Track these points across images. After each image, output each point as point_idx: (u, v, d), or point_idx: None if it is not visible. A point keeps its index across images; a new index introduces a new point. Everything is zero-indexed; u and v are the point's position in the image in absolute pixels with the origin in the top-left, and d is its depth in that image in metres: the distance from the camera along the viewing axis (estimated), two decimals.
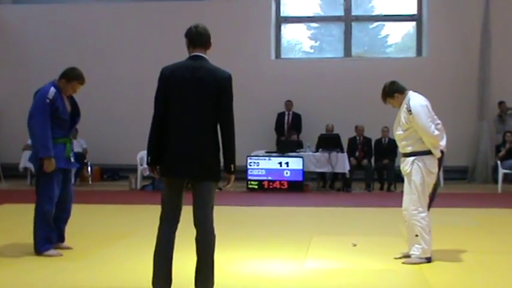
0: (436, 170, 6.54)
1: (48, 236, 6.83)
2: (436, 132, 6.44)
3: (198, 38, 4.98)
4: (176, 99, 4.84)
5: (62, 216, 7.06)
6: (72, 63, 17.41)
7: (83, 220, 9.80)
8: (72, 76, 6.98)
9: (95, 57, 17.40)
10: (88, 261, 6.62)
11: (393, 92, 6.67)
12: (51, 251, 6.81)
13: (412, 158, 6.50)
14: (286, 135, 15.69)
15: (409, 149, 6.55)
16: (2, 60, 17.15)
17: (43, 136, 6.62)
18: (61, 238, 7.13)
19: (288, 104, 16.23)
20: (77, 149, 15.83)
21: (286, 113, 16.28)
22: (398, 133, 6.66)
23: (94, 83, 17.29)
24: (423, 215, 6.46)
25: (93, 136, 16.67)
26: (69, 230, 8.59)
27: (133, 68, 16.32)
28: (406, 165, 6.56)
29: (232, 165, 4.89)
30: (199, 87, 4.81)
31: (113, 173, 17.33)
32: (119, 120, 16.28)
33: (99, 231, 8.67)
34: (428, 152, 6.51)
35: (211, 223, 4.92)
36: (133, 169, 14.69)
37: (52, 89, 6.80)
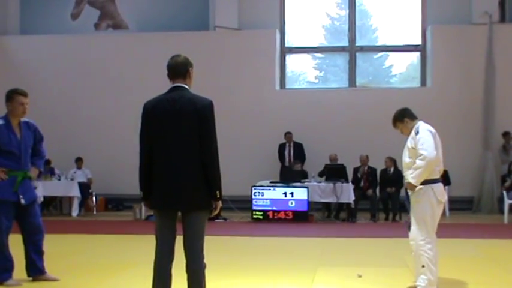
0: (445, 198, 6.53)
1: (4, 266, 6.78)
2: (436, 157, 6.41)
3: (175, 68, 4.99)
4: (160, 132, 4.87)
5: (30, 249, 6.99)
6: (77, 93, 17.63)
7: (87, 251, 9.81)
8: (10, 93, 6.88)
9: (101, 88, 17.57)
10: None
11: (403, 116, 6.72)
12: (10, 281, 6.78)
13: (420, 187, 6.46)
14: (291, 164, 15.68)
15: (429, 176, 6.48)
16: (8, 88, 17.25)
17: None
18: (38, 271, 7.05)
19: (288, 136, 16.28)
20: (82, 179, 15.90)
21: (287, 144, 16.30)
22: (406, 161, 6.63)
23: (100, 113, 17.53)
24: (430, 246, 6.41)
25: (98, 166, 16.74)
26: (74, 260, 8.61)
27: (139, 98, 16.34)
28: (418, 194, 6.49)
29: (218, 192, 4.87)
30: (180, 118, 4.83)
31: (118, 203, 17.34)
32: (123, 150, 16.31)
33: (104, 261, 8.65)
34: (437, 181, 6.50)
35: (201, 253, 4.90)
36: (137, 199, 14.61)
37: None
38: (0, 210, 6.70)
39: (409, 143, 6.59)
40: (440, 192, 6.50)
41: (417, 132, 6.51)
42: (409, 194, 6.65)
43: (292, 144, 16.32)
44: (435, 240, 6.53)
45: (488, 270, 8.07)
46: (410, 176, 6.47)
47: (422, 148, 6.38)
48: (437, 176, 6.54)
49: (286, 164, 16.19)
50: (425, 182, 6.44)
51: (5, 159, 6.74)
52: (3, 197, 6.71)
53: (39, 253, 7.07)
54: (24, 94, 6.94)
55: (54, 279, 7.05)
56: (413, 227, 6.53)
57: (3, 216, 6.72)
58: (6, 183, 6.72)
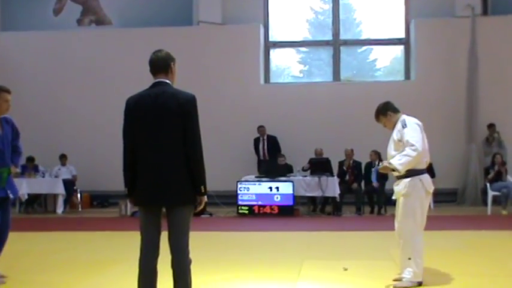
0: (432, 189, 6.55)
1: None
2: (425, 159, 6.46)
3: (156, 64, 4.98)
4: (142, 128, 4.86)
5: None
6: (61, 89, 17.52)
7: (72, 248, 9.78)
8: None
9: (84, 84, 17.49)
10: None
11: (386, 110, 6.72)
12: None
13: (408, 179, 6.47)
14: (265, 158, 15.73)
15: (416, 167, 6.47)
16: None
17: None
18: None
19: (261, 129, 16.30)
20: (66, 175, 15.82)
21: (261, 138, 16.32)
22: (391, 153, 6.63)
23: (83, 109, 17.44)
24: (418, 238, 6.44)
25: (83, 163, 16.67)
26: (60, 258, 8.58)
27: (123, 94, 16.27)
28: (401, 187, 6.51)
29: (202, 187, 4.86)
30: (163, 113, 4.81)
31: (103, 199, 17.28)
32: (108, 146, 16.20)
33: (89, 258, 8.63)
34: (424, 171, 6.52)
35: (186, 249, 4.88)
36: (123, 195, 14.55)
37: None
38: None
39: (395, 135, 6.59)
40: (429, 183, 6.53)
41: (404, 125, 6.50)
42: (395, 187, 6.64)
43: (266, 138, 16.31)
44: (422, 233, 6.55)
45: (472, 260, 8.13)
46: (397, 162, 6.45)
47: (409, 139, 6.39)
48: (424, 167, 6.56)
49: (261, 157, 16.25)
50: (413, 173, 6.45)
51: None
52: None
53: (0, 250, 6.96)
54: (9, 91, 6.94)
55: (3, 276, 6.96)
56: (400, 220, 6.52)
57: None
58: None
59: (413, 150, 6.37)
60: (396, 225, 6.65)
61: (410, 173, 6.46)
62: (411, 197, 6.45)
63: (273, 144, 16.28)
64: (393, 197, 6.77)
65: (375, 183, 14.39)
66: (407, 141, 6.41)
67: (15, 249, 8.24)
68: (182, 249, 4.85)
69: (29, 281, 7.05)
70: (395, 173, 6.57)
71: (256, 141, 16.37)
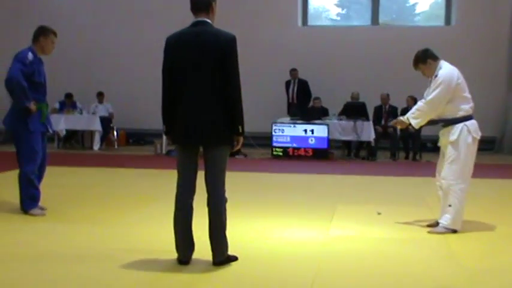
0: (479, 135, 6.48)
1: (32, 194, 6.99)
2: (469, 105, 6.38)
3: (198, 3, 4.93)
4: (182, 66, 4.86)
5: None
6: (99, 27, 17.57)
7: (109, 184, 9.94)
8: (45, 30, 7.05)
9: (123, 22, 17.49)
10: (114, 224, 6.69)
11: (426, 57, 6.54)
12: (36, 210, 6.99)
13: (455, 126, 6.37)
14: (294, 102, 15.66)
15: (460, 114, 6.40)
16: (28, 21, 17.24)
17: (24, 90, 6.73)
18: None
19: (294, 73, 16.16)
20: (103, 113, 16.00)
21: (292, 81, 16.22)
22: None
23: (121, 48, 17.49)
24: (462, 186, 6.36)
25: (119, 100, 16.81)
26: (97, 192, 8.75)
27: (162, 32, 16.27)
28: (451, 133, 6.38)
29: (240, 127, 4.87)
30: (204, 52, 4.80)
31: (139, 137, 17.47)
32: (145, 84, 16.32)
33: (126, 194, 8.76)
34: (470, 117, 6.43)
35: (222, 188, 4.94)
36: (159, 134, 14.73)
37: (30, 54, 6.84)
38: (33, 141, 6.91)
39: (432, 86, 6.50)
40: (475, 129, 6.43)
41: (436, 75, 6.42)
42: (443, 133, 6.55)
43: (297, 81, 16.20)
44: (469, 181, 6.48)
45: (508, 210, 8.10)
46: (412, 116, 6.44)
47: (432, 93, 6.35)
48: (471, 112, 6.46)
49: (290, 100, 16.18)
50: (458, 120, 6.37)
51: (34, 92, 6.89)
52: (35, 128, 6.94)
53: (40, 181, 7.19)
54: (56, 34, 7.13)
55: (43, 208, 7.15)
56: (446, 166, 6.43)
57: (36, 146, 6.93)
58: (36, 115, 6.93)
59: (425, 103, 6.41)
60: (439, 172, 6.60)
61: (457, 120, 6.38)
62: (458, 144, 6.35)
63: (304, 88, 16.16)
64: (438, 144, 6.70)
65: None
66: (430, 94, 6.36)
67: (54, 182, 8.41)
68: (218, 188, 4.90)
69: (68, 213, 7.22)
70: (444, 117, 6.48)
71: (288, 84, 16.28)
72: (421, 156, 14.20)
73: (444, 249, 5.87)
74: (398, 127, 6.95)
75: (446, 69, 6.46)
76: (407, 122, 6.60)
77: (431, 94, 6.41)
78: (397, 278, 4.88)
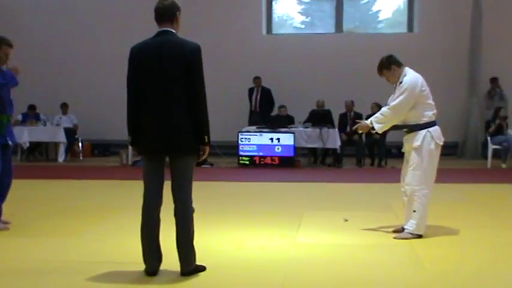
0: (442, 141, 6.55)
1: None
2: (431, 112, 6.46)
3: (162, 12, 4.93)
4: (147, 76, 4.84)
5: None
6: (63, 37, 17.38)
7: (75, 196, 9.84)
8: (0, 41, 6.83)
9: (87, 32, 17.35)
10: (80, 237, 6.63)
11: (390, 64, 6.60)
12: None
13: (418, 132, 6.45)
14: (256, 110, 15.70)
15: (424, 120, 6.47)
16: None
17: None
18: None
19: (257, 81, 16.25)
20: (68, 124, 15.85)
21: (256, 89, 16.27)
22: None
23: (85, 58, 17.36)
24: (426, 191, 6.44)
25: (84, 112, 16.68)
26: (63, 205, 8.64)
27: (126, 43, 16.22)
28: (415, 139, 6.45)
29: (206, 136, 4.88)
30: (168, 61, 4.80)
31: (104, 148, 17.35)
32: (110, 95, 16.20)
33: (92, 206, 8.69)
34: (433, 124, 6.50)
35: (189, 197, 4.93)
36: (123, 144, 14.66)
37: None
38: None
39: (397, 91, 6.56)
40: (438, 135, 6.51)
41: (401, 82, 6.48)
42: (406, 139, 6.63)
43: (260, 89, 16.26)
44: (432, 186, 6.57)
45: (472, 213, 8.20)
46: (375, 121, 6.53)
47: (397, 99, 6.42)
48: (434, 119, 6.54)
49: (253, 108, 16.24)
50: (422, 127, 6.45)
51: None
52: None
53: (5, 197, 7.01)
54: (11, 45, 6.91)
55: (7, 222, 7.02)
56: (409, 172, 6.50)
57: None
58: None
59: (389, 109, 6.48)
60: (403, 177, 6.67)
61: (420, 126, 6.46)
62: (421, 150, 6.43)
63: (267, 96, 16.24)
64: (402, 150, 6.78)
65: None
66: (394, 100, 6.43)
67: (18, 195, 8.28)
68: (185, 198, 4.90)
69: (33, 227, 7.12)
70: (406, 123, 6.55)
71: (250, 92, 16.32)
72: (387, 163, 14.33)
73: (410, 254, 5.93)
74: (360, 131, 6.99)
75: (411, 76, 6.54)
76: (370, 125, 6.66)
77: (395, 100, 6.48)
78: (363, 284, 4.91)
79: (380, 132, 6.71)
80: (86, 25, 17.45)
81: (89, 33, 17.40)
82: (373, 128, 6.66)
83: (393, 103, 6.48)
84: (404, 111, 6.45)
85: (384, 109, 6.60)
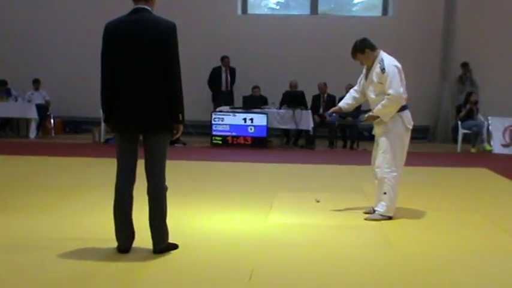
0: (412, 124, 6.64)
1: None
2: (404, 96, 6.51)
3: None
4: (122, 53, 4.83)
5: None
6: (34, 12, 17.17)
7: (47, 172, 9.79)
8: None
9: (59, 7, 17.15)
10: (51, 213, 6.62)
11: (364, 47, 6.63)
12: None
13: (395, 115, 6.50)
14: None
15: None
16: None
17: None
18: None
19: (226, 60, 16.21)
20: (39, 100, 15.71)
21: (224, 68, 16.23)
22: (372, 97, 6.66)
23: (57, 34, 17.18)
24: (395, 174, 6.52)
25: (56, 88, 16.52)
26: (34, 181, 8.59)
27: (99, 18, 16.06)
28: (384, 124, 6.55)
29: (180, 115, 4.89)
30: (143, 39, 4.80)
31: (76, 125, 17.23)
32: (82, 72, 16.09)
33: (64, 183, 8.65)
34: (404, 108, 6.58)
35: (162, 176, 4.95)
36: (96, 122, 14.60)
37: None
38: None
39: (374, 77, 6.56)
40: (408, 119, 6.61)
41: (383, 69, 6.49)
42: (375, 124, 6.70)
43: (228, 69, 16.27)
44: (401, 169, 6.65)
45: (441, 196, 8.32)
46: (381, 113, 6.53)
47: (390, 87, 6.43)
48: (405, 103, 6.60)
49: (223, 88, 16.21)
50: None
51: None
52: None
53: None
54: None
55: None
56: (379, 155, 6.59)
57: None
58: None
59: (389, 98, 6.44)
60: (374, 160, 6.75)
61: None
62: (391, 133, 6.52)
63: (232, 75, 16.24)
64: (372, 133, 6.85)
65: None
66: (386, 89, 6.45)
67: None
68: (158, 176, 4.92)
69: (4, 203, 7.08)
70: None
71: (216, 72, 16.23)
72: (358, 145, 14.45)
73: (380, 236, 6.03)
74: (369, 122, 6.91)
75: (390, 60, 6.55)
76: (375, 116, 6.67)
77: (389, 89, 6.40)
78: (334, 263, 4.98)
79: (387, 120, 6.63)
80: (60, 1, 17.23)
81: (62, 8, 17.19)
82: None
83: (389, 91, 6.44)
84: (401, 93, 6.46)
85: (384, 101, 6.53)
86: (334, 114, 6.92)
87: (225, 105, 14.97)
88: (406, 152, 6.69)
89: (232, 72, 16.22)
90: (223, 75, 16.19)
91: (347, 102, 7.03)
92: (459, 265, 5.05)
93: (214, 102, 15.78)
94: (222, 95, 15.98)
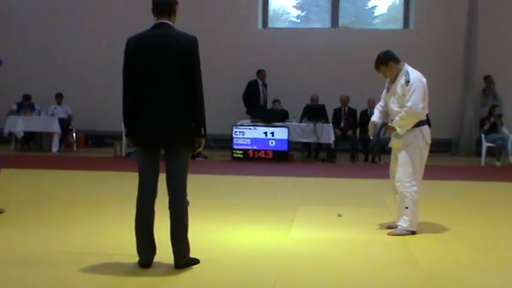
0: (430, 140, 6.59)
1: None
2: (423, 112, 6.47)
3: (161, 5, 4.93)
4: (144, 68, 4.84)
5: None
6: (59, 27, 17.32)
7: (69, 186, 9.82)
8: None
9: (83, 22, 17.28)
10: (73, 228, 6.61)
11: (388, 60, 6.60)
12: None
13: (416, 129, 6.48)
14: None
15: None
16: None
17: None
18: None
19: (262, 74, 16.20)
20: (62, 115, 15.82)
21: (261, 83, 16.21)
22: (394, 109, 6.61)
23: (81, 49, 17.31)
24: (416, 188, 6.47)
25: (79, 102, 16.63)
26: (56, 195, 8.61)
27: (122, 33, 16.15)
28: (405, 136, 6.50)
29: (202, 129, 4.88)
30: (164, 54, 4.80)
31: (98, 139, 17.31)
32: (104, 86, 16.21)
33: (86, 197, 8.67)
34: (424, 123, 6.55)
35: (184, 190, 4.94)
36: (118, 136, 14.64)
37: None
38: None
39: (399, 89, 6.51)
40: (428, 134, 6.58)
41: (407, 81, 6.45)
42: (394, 137, 6.65)
43: (263, 83, 16.25)
44: (420, 182, 6.60)
45: (465, 211, 8.22)
46: (397, 125, 6.50)
47: (409, 100, 6.38)
48: (424, 118, 6.57)
49: (262, 102, 16.15)
50: (415, 125, 6.48)
51: None
52: None
53: None
54: None
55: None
56: (399, 169, 6.54)
57: None
58: None
59: (406, 111, 6.40)
60: (392, 174, 6.69)
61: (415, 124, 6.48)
62: (411, 147, 6.48)
63: (266, 89, 16.24)
64: (389, 145, 6.80)
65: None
66: (406, 101, 6.40)
67: (12, 185, 8.29)
68: (180, 191, 4.90)
69: (26, 217, 7.11)
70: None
71: (253, 86, 16.24)
72: (380, 159, 14.34)
73: (404, 251, 5.93)
74: (387, 132, 6.88)
75: (415, 74, 6.53)
76: (393, 126, 6.64)
77: (408, 101, 6.40)
78: (357, 280, 4.92)
79: (402, 133, 6.60)
80: (82, 17, 17.36)
81: (85, 24, 17.33)
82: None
83: (408, 104, 6.41)
84: (419, 107, 6.43)
85: (401, 113, 6.51)
86: (379, 130, 6.83)
87: (263, 119, 14.78)
88: (426, 165, 6.64)
89: (266, 86, 16.22)
90: (261, 89, 16.17)
91: (378, 116, 6.95)
92: (485, 282, 4.96)
93: (251, 116, 15.62)
94: (260, 109, 15.89)
